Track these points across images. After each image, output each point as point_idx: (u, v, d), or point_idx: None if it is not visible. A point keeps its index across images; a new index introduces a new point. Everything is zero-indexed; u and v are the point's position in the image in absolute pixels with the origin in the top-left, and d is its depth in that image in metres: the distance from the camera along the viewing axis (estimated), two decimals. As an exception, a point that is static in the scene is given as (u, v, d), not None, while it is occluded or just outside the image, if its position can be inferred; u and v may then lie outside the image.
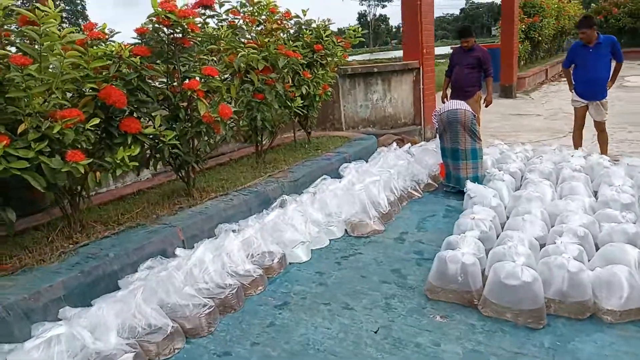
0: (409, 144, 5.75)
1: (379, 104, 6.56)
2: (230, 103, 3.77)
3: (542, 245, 3.06)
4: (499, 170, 4.47)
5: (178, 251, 3.07)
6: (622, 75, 14.64)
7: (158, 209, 3.59)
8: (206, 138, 3.51)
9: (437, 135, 4.83)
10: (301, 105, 4.55)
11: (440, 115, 4.63)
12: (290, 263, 3.38)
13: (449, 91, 6.08)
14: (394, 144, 5.57)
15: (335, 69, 5.40)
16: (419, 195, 4.72)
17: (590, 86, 5.09)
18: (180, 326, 2.53)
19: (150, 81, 3.24)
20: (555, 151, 5.11)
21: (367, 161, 5.30)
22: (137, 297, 2.48)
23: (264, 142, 4.89)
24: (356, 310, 2.75)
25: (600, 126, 5.24)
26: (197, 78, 3.32)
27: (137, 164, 2.97)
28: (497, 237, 3.20)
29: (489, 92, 5.87)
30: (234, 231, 3.37)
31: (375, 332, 2.52)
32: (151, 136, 3.16)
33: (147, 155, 3.48)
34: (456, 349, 2.34)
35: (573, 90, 5.30)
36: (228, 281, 2.89)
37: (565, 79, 5.42)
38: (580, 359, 2.19)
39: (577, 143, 5.46)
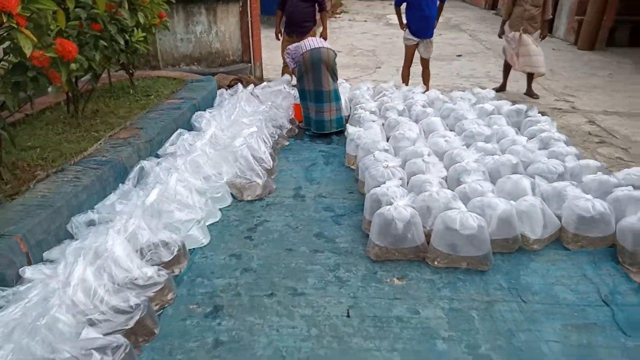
0: (252, 85, 5.16)
1: (203, 37, 5.61)
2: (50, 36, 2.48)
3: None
4: (363, 110, 4.40)
5: (28, 272, 1.98)
6: (384, 14, 16.59)
7: (-48, 209, 2.23)
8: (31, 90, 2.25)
9: (297, 77, 4.39)
10: (142, 38, 3.42)
11: (302, 55, 4.19)
12: (189, 250, 2.62)
13: (283, 27, 5.62)
14: (239, 86, 4.89)
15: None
16: (286, 142, 4.31)
17: (424, 24, 5.38)
18: (90, 391, 1.65)
19: None
20: (393, 88, 5.33)
21: (213, 107, 4.54)
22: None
23: (81, 89, 3.58)
24: (309, 295, 2.30)
25: (426, 63, 5.69)
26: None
27: None
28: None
29: (324, 27, 5.65)
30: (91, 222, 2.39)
31: (348, 317, 2.16)
32: None
33: None
34: (437, 312, 2.20)
35: (406, 29, 5.52)
36: (132, 300, 2.02)
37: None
38: (537, 292, 2.33)
39: (406, 79, 5.84)
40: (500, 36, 6.05)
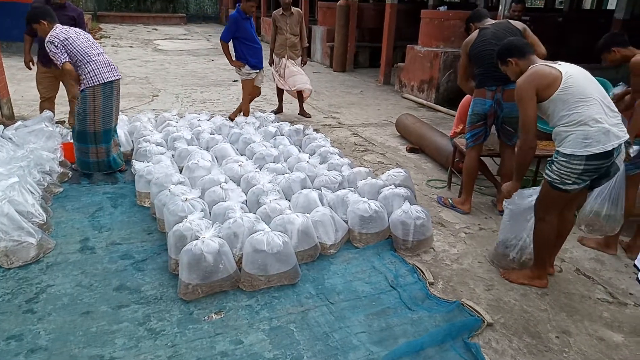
0: (1, 127, 4.30)
1: None
2: None
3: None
4: (148, 143, 4.16)
5: None
6: (150, 39, 15.98)
7: None
8: None
9: (78, 114, 3.82)
10: None
11: (92, 88, 3.67)
12: (-59, 349, 2.02)
13: (35, 55, 4.88)
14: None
15: None
16: (60, 189, 3.73)
17: (260, 55, 5.52)
18: None
19: None
20: (176, 117, 5.21)
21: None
22: None
23: None
24: (120, 358, 2.05)
25: (258, 91, 5.83)
26: None
27: None
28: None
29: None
30: None
31: (169, 369, 2.01)
32: None
33: None
34: (259, 336, 2.24)
35: (246, 65, 5.46)
36: None
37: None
38: (341, 291, 2.60)
39: (247, 111, 5.81)
40: (271, 64, 6.55)
